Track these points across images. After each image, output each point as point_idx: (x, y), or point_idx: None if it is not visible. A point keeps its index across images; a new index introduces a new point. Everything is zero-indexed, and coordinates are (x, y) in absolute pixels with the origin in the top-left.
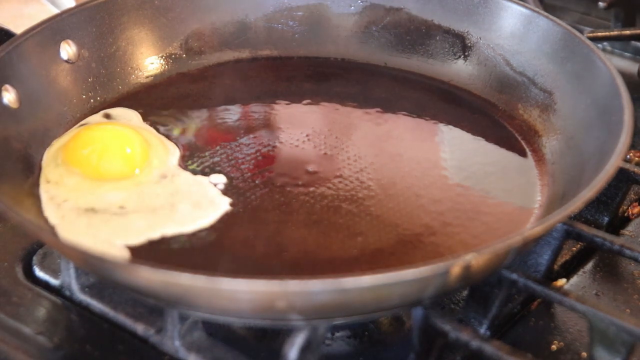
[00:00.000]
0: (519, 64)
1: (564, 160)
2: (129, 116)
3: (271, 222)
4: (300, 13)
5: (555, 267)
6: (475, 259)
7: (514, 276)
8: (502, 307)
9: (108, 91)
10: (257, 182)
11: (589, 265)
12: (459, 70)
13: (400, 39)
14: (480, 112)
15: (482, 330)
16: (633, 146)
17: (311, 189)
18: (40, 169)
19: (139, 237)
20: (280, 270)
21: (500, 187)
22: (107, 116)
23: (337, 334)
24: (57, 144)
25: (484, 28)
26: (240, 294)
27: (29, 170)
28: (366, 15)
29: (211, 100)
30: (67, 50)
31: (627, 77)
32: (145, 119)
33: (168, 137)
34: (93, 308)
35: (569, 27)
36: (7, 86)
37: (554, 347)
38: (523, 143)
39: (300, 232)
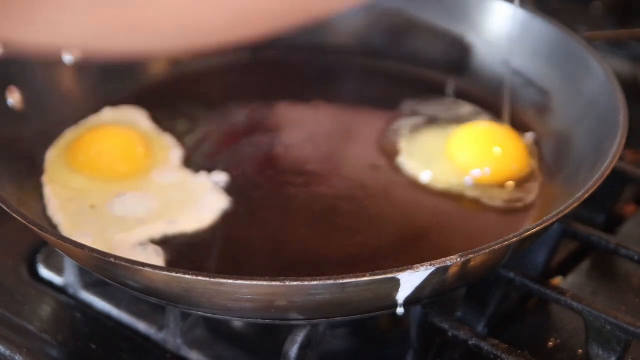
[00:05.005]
0: (517, 65)
1: (560, 160)
2: (132, 116)
3: (271, 221)
4: None
5: (552, 265)
6: (473, 259)
7: (511, 275)
8: (499, 306)
9: (111, 92)
10: (257, 181)
11: (585, 264)
12: (457, 70)
13: (399, 40)
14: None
15: (480, 328)
16: (628, 145)
17: (311, 188)
18: (44, 169)
19: (141, 237)
20: (280, 270)
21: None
22: (111, 116)
23: (337, 332)
24: (61, 145)
25: (481, 30)
26: (241, 293)
27: (33, 171)
28: (366, 16)
29: (212, 101)
30: (72, 52)
31: (622, 78)
32: (148, 119)
33: (170, 136)
34: (96, 306)
35: (565, 28)
36: (12, 87)
37: (550, 344)
38: None
39: (300, 232)
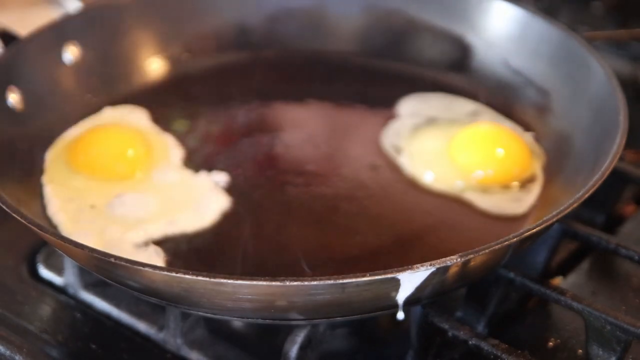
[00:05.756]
0: (517, 65)
1: (560, 160)
2: (132, 116)
3: (271, 221)
4: (300, 14)
5: (552, 265)
6: (473, 259)
7: (511, 275)
8: (499, 306)
9: (111, 92)
10: (257, 181)
11: (585, 264)
12: (457, 71)
13: (399, 40)
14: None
15: (480, 328)
16: (628, 145)
17: (311, 188)
18: (44, 169)
19: (141, 237)
20: (280, 270)
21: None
22: (111, 116)
23: (337, 332)
24: (61, 145)
25: (482, 30)
26: (241, 293)
27: (33, 170)
28: (366, 16)
29: (213, 101)
30: (71, 51)
31: (622, 78)
32: (148, 119)
33: (170, 136)
34: (96, 306)
35: (566, 29)
36: (12, 87)
37: (550, 344)
38: None
39: (300, 232)
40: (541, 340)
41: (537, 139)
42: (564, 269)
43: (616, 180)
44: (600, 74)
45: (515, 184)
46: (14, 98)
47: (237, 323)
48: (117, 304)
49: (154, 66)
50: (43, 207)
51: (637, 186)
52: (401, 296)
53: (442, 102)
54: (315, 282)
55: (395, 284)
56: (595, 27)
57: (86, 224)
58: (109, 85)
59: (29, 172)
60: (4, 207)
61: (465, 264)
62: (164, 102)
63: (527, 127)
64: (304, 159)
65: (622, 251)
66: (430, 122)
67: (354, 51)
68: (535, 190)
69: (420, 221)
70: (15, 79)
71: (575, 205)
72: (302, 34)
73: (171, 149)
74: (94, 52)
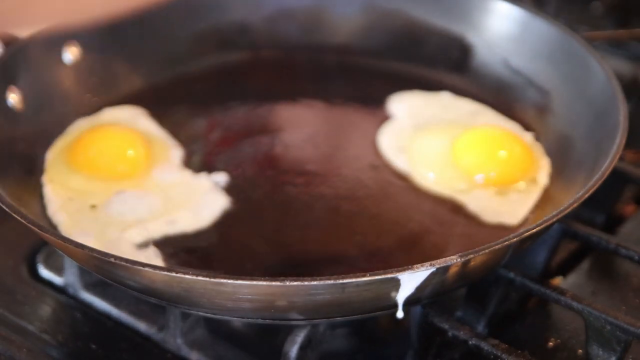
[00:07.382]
0: (517, 64)
1: (560, 160)
2: (132, 116)
3: (271, 221)
4: (300, 14)
5: (552, 265)
6: (473, 259)
7: (511, 275)
8: (499, 306)
9: (111, 92)
10: (257, 181)
11: (585, 264)
12: (457, 71)
13: (399, 40)
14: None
15: (480, 328)
16: (628, 145)
17: (311, 188)
18: (44, 169)
19: (141, 237)
20: (280, 270)
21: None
22: (111, 116)
23: (337, 332)
24: (61, 144)
25: (482, 30)
26: (241, 293)
27: (33, 170)
28: (366, 16)
29: (213, 100)
30: (71, 51)
31: (622, 78)
32: (147, 118)
33: (170, 136)
34: (96, 306)
35: (565, 29)
36: (13, 88)
37: (550, 344)
38: None
39: (300, 232)
40: (541, 340)
41: (537, 139)
42: (564, 269)
43: (616, 180)
44: (600, 74)
45: (516, 185)
46: (14, 98)
47: (237, 323)
48: (117, 304)
49: (155, 66)
50: (43, 207)
51: (637, 186)
52: (401, 296)
53: (442, 102)
54: (315, 282)
55: (395, 284)
56: (595, 27)
57: (86, 223)
58: (109, 85)
59: (29, 172)
60: (4, 207)
61: (465, 264)
62: (163, 102)
63: (527, 127)
64: (304, 159)
65: (622, 251)
66: (430, 122)
67: (354, 51)
68: (536, 191)
69: (420, 221)
70: (15, 80)
71: (575, 205)
72: (303, 34)
73: (171, 149)
74: (94, 53)
